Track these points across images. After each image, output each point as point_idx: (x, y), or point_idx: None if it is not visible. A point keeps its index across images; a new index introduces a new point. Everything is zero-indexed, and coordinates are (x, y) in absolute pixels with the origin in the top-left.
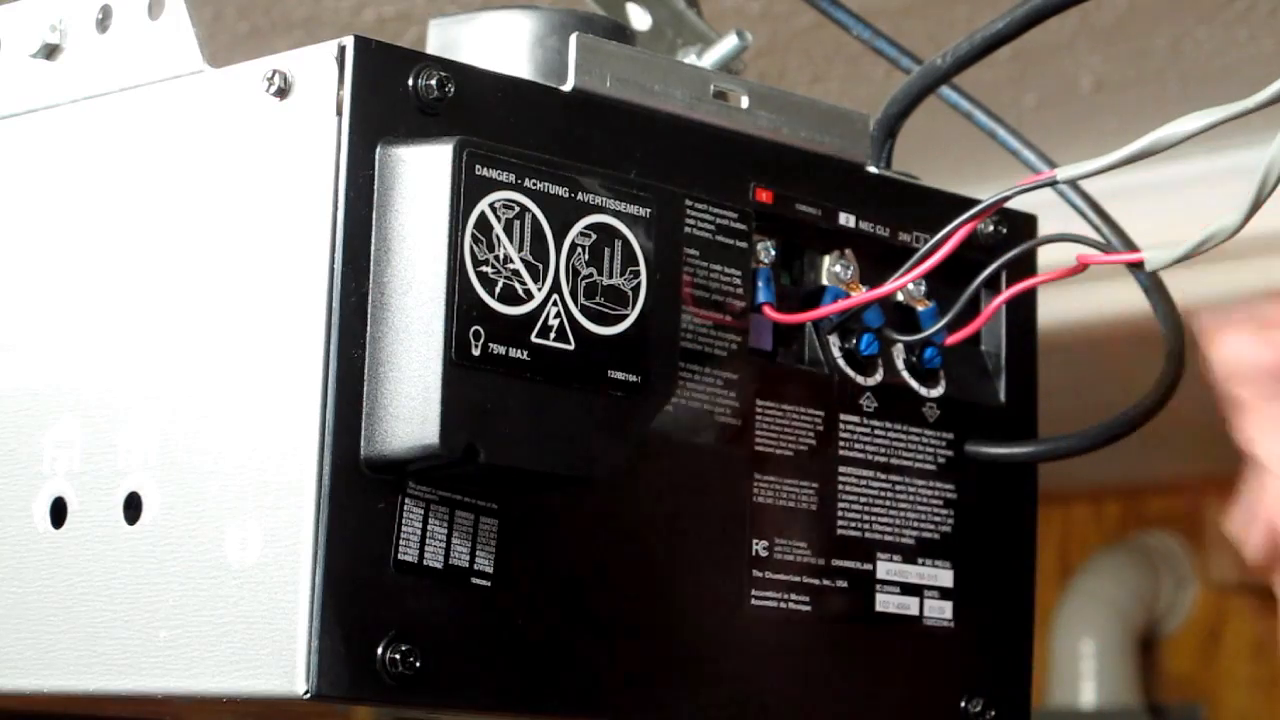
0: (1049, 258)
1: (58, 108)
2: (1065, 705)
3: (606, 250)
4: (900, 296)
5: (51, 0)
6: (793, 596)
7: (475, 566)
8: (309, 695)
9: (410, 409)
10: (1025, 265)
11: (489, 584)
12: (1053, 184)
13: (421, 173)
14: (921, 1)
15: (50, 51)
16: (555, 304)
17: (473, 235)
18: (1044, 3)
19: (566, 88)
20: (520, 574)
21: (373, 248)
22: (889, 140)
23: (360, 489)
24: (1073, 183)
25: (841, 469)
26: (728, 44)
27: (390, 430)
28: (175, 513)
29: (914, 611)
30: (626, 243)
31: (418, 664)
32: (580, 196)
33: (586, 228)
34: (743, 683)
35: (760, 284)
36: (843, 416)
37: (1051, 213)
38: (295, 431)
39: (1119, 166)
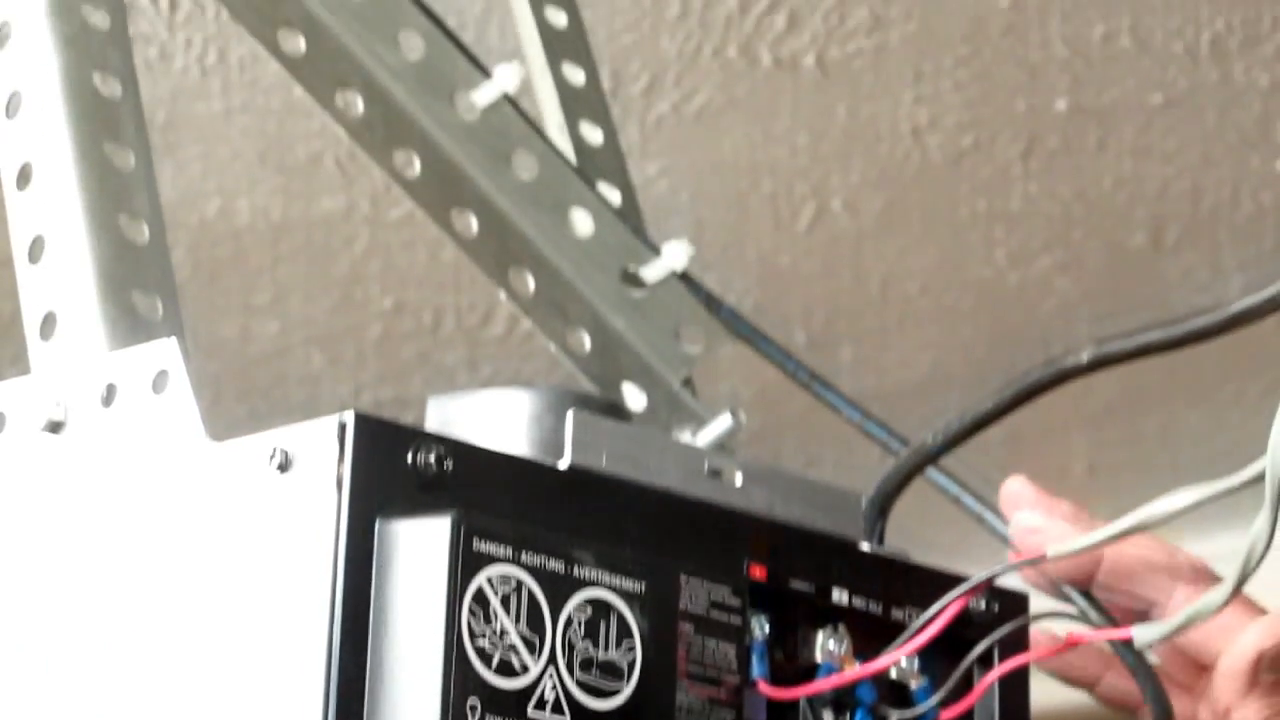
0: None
1: (61, 481)
2: None
3: (602, 624)
4: (894, 673)
5: (56, 377)
6: None
7: None
8: None
9: None
10: (1017, 642)
11: None
12: (1042, 561)
13: (420, 546)
14: (914, 386)
15: (55, 427)
16: (551, 677)
17: (470, 608)
18: (1032, 382)
19: (563, 465)
20: None
21: (371, 619)
22: (881, 518)
23: None
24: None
25: None
26: (722, 424)
27: None
28: None
29: None
30: (622, 617)
31: None
32: (576, 571)
33: (583, 602)
34: None
35: (754, 659)
36: None
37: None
38: None
39: (1107, 543)
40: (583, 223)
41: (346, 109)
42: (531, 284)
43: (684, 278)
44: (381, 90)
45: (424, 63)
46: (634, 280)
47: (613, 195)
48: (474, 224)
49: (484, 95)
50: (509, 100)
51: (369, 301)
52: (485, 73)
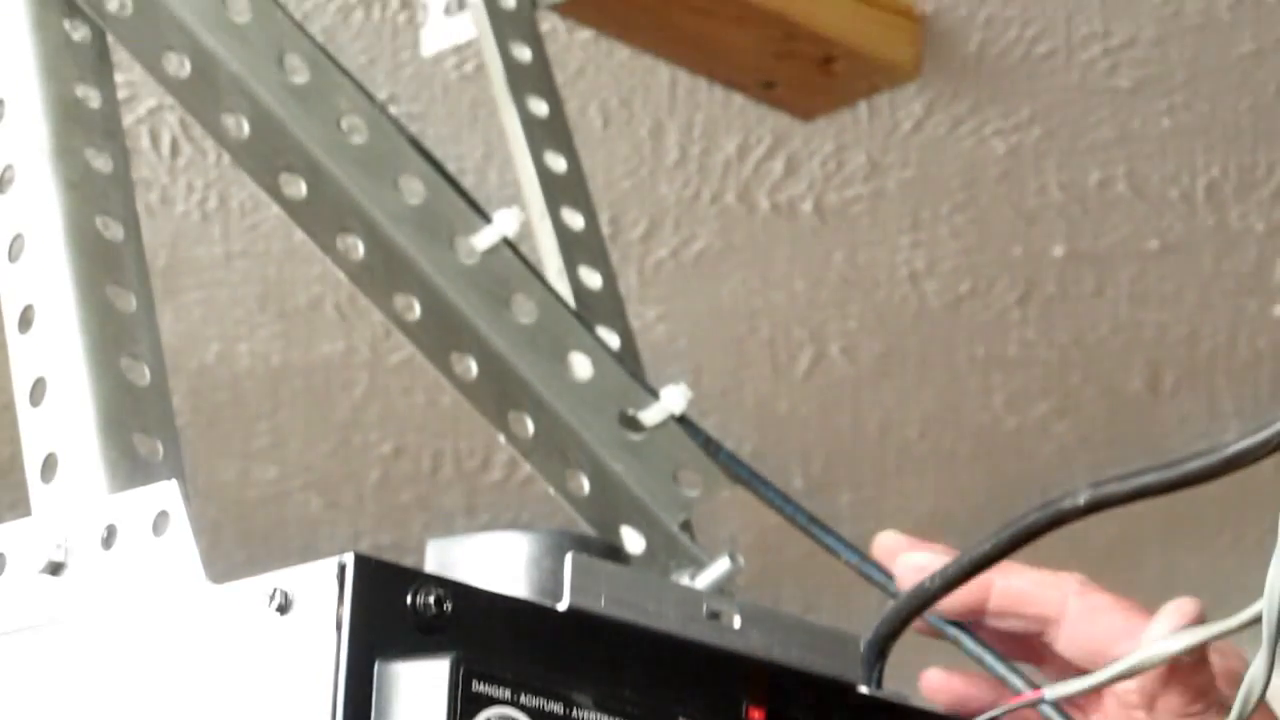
0: None
1: (62, 623)
2: None
3: None
4: None
5: (57, 519)
6: None
7: None
8: None
9: None
10: None
11: None
12: (1039, 703)
13: (419, 688)
14: (912, 530)
15: (55, 568)
16: None
17: None
18: (1029, 525)
19: (562, 607)
20: None
21: None
22: (880, 660)
23: None
24: (1059, 703)
25: None
26: (720, 567)
27: None
28: None
29: None
30: None
31: None
32: (575, 713)
33: None
34: None
35: None
36: None
37: None
38: None
39: (1105, 685)
40: (582, 366)
41: (347, 253)
42: (530, 427)
43: (682, 421)
44: (382, 234)
45: (424, 207)
46: (633, 424)
47: (612, 339)
48: (473, 368)
49: (484, 239)
50: (508, 244)
51: (368, 446)
52: (485, 217)
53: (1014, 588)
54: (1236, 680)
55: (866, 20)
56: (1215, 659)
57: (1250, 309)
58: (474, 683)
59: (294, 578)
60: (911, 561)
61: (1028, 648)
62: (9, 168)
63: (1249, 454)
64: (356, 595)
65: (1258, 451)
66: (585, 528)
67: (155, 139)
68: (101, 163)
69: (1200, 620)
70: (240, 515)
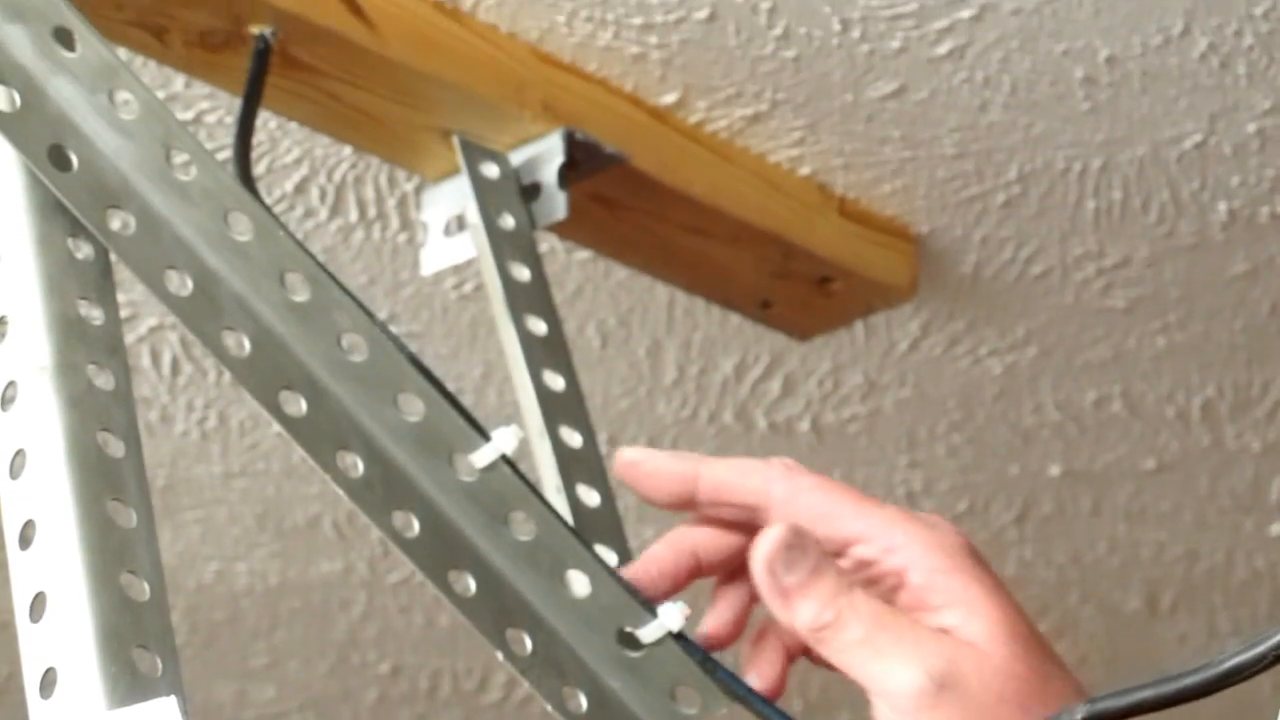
0: None
1: None
2: None
3: None
4: None
5: None
6: None
7: None
8: None
9: None
10: None
11: None
12: None
13: None
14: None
15: None
16: None
17: None
18: None
19: None
20: None
21: None
22: None
23: None
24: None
25: None
26: None
27: None
28: None
29: None
30: None
31: None
32: None
33: None
34: None
35: None
36: None
37: None
38: None
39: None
40: (580, 584)
41: (346, 470)
42: (529, 645)
43: (680, 639)
44: (381, 451)
45: (423, 424)
46: (631, 641)
47: (610, 557)
48: (472, 585)
49: (483, 457)
50: (507, 462)
51: (365, 666)
52: (484, 435)
53: (719, 476)
54: (880, 574)
55: (863, 240)
56: (847, 563)
57: (1247, 528)
58: None
59: None
60: (623, 456)
61: (746, 526)
62: (11, 384)
63: (1245, 668)
64: None
65: (1254, 666)
66: None
67: (156, 358)
68: (103, 380)
69: (792, 544)
70: None
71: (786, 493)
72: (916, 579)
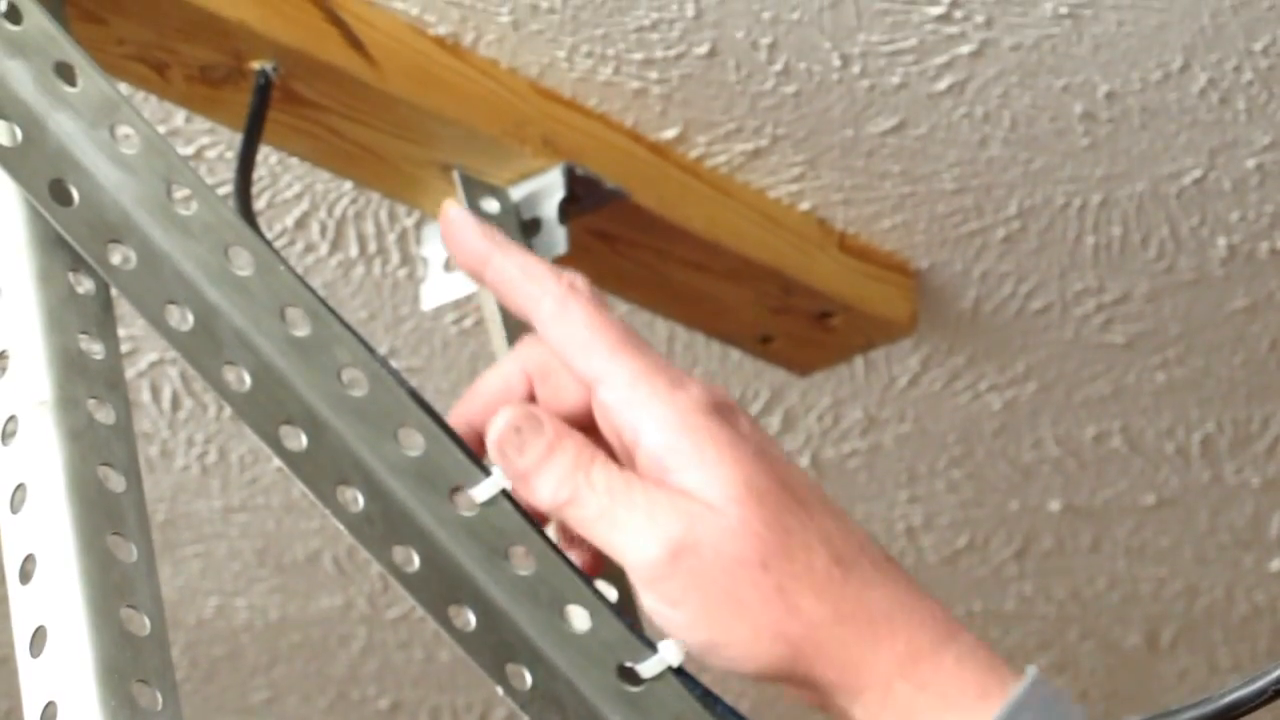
0: None
1: None
2: None
3: None
4: None
5: None
6: None
7: None
8: None
9: None
10: None
11: None
12: None
13: None
14: None
15: None
16: None
17: None
18: None
19: None
20: None
21: None
22: None
23: None
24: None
25: None
26: None
27: None
28: None
29: None
30: None
31: None
32: None
33: None
34: None
35: None
36: None
37: None
38: None
39: None
40: (580, 619)
41: (346, 505)
42: (528, 680)
43: (680, 674)
44: (382, 486)
45: (424, 459)
46: (630, 676)
47: (610, 592)
48: (472, 620)
49: (483, 491)
50: (507, 496)
51: (365, 701)
52: (484, 470)
53: (504, 273)
54: (620, 425)
55: (863, 276)
56: (608, 430)
57: (1247, 563)
58: None
59: None
60: (446, 209)
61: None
62: (12, 418)
63: (1245, 703)
64: None
65: (1253, 701)
66: None
67: (156, 393)
68: (104, 414)
69: (521, 425)
70: None
71: (552, 314)
72: (654, 438)
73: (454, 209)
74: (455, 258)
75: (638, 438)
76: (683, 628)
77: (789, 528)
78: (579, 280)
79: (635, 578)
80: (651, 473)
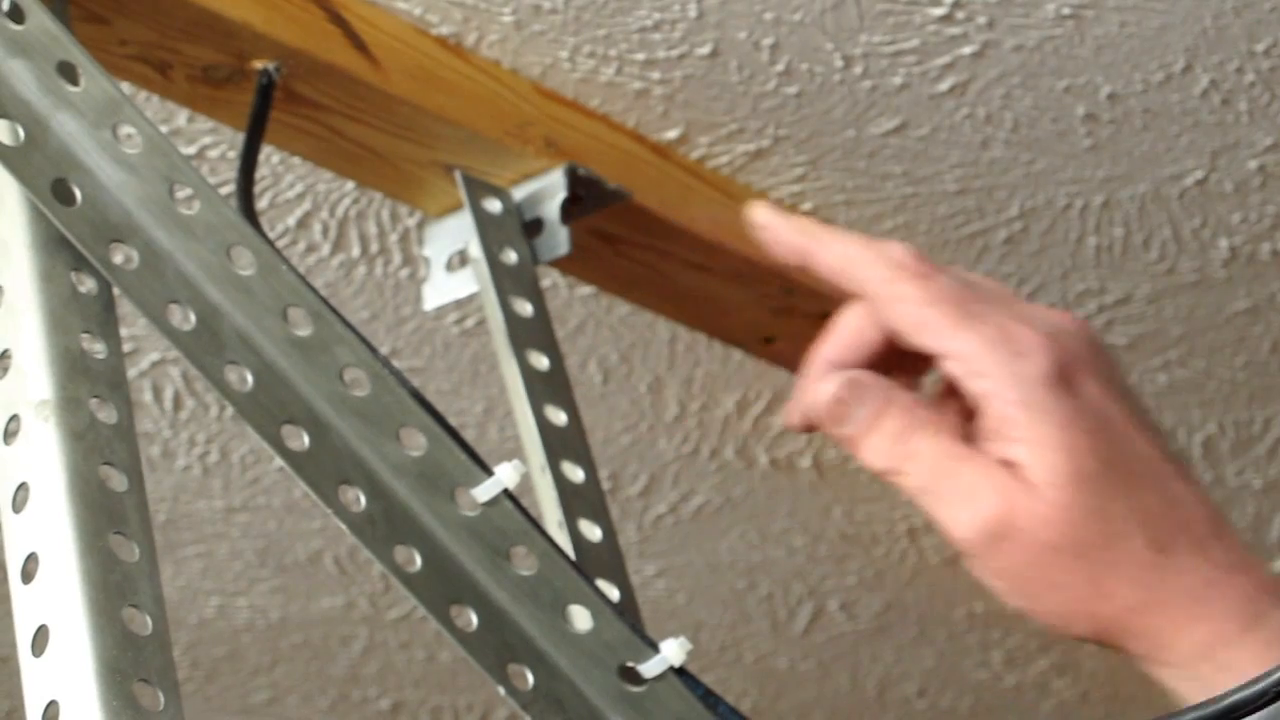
0: None
1: None
2: None
3: None
4: None
5: None
6: None
7: None
8: None
9: None
10: None
11: None
12: None
13: None
14: None
15: None
16: None
17: None
18: None
19: None
20: None
21: None
22: None
23: None
24: None
25: None
26: None
27: None
28: None
29: None
30: None
31: None
32: None
33: None
34: None
35: None
36: None
37: None
38: None
39: None
40: (581, 619)
41: (348, 505)
42: (530, 680)
43: (682, 674)
44: (383, 486)
45: (426, 459)
46: (633, 676)
47: (611, 592)
48: (474, 620)
49: (485, 492)
50: (509, 497)
51: (366, 701)
52: (486, 470)
53: (829, 263)
54: (966, 393)
55: None
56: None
57: None
58: None
59: None
60: (755, 213)
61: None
62: (14, 418)
63: (1246, 705)
64: None
65: (1254, 703)
66: None
67: (158, 393)
68: (106, 414)
69: (843, 397)
70: None
71: (884, 299)
72: (994, 408)
73: (763, 210)
74: (776, 255)
75: (981, 407)
76: (1001, 593)
77: (1109, 514)
78: (901, 252)
79: (959, 548)
80: (990, 440)
